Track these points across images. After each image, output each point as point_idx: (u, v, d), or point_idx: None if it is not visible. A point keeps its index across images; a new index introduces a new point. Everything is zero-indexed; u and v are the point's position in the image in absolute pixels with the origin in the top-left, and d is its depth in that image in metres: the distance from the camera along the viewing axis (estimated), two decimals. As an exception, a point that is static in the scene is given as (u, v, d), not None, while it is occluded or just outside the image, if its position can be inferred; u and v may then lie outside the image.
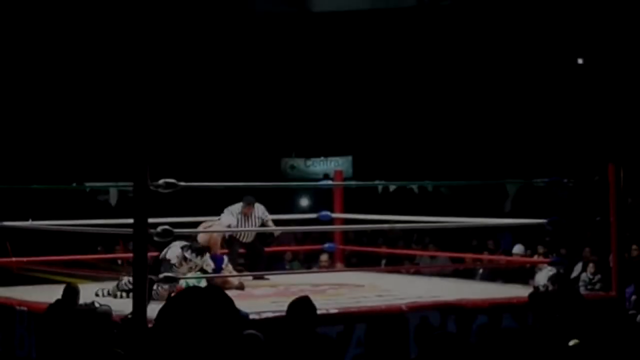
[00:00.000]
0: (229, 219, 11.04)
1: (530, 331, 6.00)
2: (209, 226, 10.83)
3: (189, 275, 9.46)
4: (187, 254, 9.37)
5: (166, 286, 8.93)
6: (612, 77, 21.58)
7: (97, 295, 9.38)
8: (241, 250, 11.42)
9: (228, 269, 10.47)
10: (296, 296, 5.81)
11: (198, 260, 9.50)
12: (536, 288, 9.85)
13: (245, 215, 11.15)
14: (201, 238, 10.42)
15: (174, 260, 9.30)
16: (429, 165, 21.76)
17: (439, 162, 21.81)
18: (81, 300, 8.69)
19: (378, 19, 24.12)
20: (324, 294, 9.84)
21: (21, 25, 21.99)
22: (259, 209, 11.29)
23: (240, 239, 11.26)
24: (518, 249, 13.91)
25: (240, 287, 10.18)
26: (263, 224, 11.34)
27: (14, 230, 12.42)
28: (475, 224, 13.78)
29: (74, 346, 7.49)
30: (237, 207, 11.21)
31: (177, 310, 2.24)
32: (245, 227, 11.16)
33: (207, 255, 9.70)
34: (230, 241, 11.16)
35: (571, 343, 6.13)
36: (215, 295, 2.28)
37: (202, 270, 9.55)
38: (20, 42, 21.93)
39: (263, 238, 11.49)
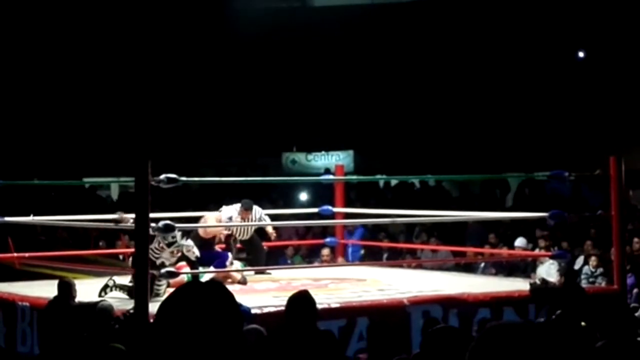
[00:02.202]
0: (230, 211, 10.98)
1: (532, 325, 6.01)
2: (208, 218, 10.80)
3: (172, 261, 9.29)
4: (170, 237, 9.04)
5: (168, 281, 8.93)
6: (614, 70, 21.56)
7: (107, 286, 9.27)
8: (238, 246, 11.38)
9: (234, 266, 10.48)
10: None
11: (182, 240, 9.19)
12: (532, 283, 9.85)
13: (243, 219, 10.99)
14: (201, 233, 10.41)
15: (154, 245, 8.94)
16: (430, 160, 21.76)
17: (440, 157, 21.80)
18: (85, 296, 8.70)
19: (379, 13, 24.10)
20: (326, 288, 9.85)
21: (23, 22, 21.98)
22: (257, 213, 11.16)
23: (238, 236, 11.18)
24: (520, 242, 13.89)
25: (243, 282, 10.19)
26: (260, 228, 11.31)
27: (16, 226, 12.43)
28: (477, 218, 13.77)
29: (74, 342, 7.49)
30: (236, 207, 11.09)
31: (177, 305, 2.23)
32: (242, 227, 11.04)
33: (190, 240, 9.48)
34: (227, 238, 11.06)
35: None
36: (216, 289, 2.27)
37: (184, 257, 9.34)
38: (22, 38, 21.93)
39: (261, 234, 11.47)
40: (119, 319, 7.64)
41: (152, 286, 8.63)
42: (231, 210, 10.98)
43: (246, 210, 10.94)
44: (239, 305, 2.31)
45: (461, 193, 20.99)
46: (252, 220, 11.03)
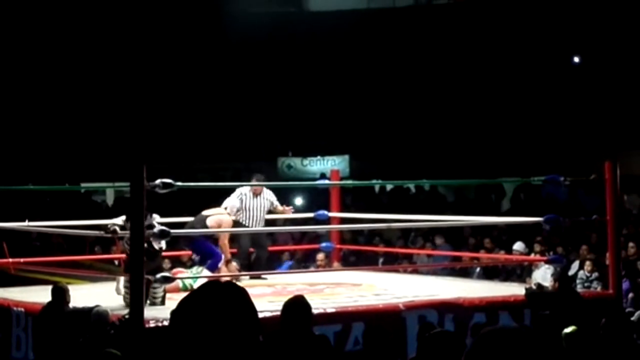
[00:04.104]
0: (232, 201, 10.89)
1: (528, 329, 6.01)
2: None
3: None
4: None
5: (162, 286, 8.90)
6: (609, 75, 21.59)
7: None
8: (251, 250, 11.29)
9: (230, 267, 10.45)
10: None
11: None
12: (528, 288, 9.85)
13: (255, 194, 10.98)
14: (210, 223, 10.31)
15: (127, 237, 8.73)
16: (425, 165, 21.77)
17: (435, 161, 21.82)
18: (82, 301, 8.67)
19: (374, 18, 24.12)
20: (322, 293, 9.84)
21: (19, 27, 21.97)
22: (268, 192, 11.17)
23: (245, 223, 11.05)
24: (519, 246, 13.89)
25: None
26: (271, 208, 11.19)
27: (11, 231, 12.40)
28: (473, 222, 13.76)
29: (69, 347, 7.48)
30: (246, 188, 11.05)
31: (198, 306, 2.15)
32: (254, 206, 10.96)
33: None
34: (237, 234, 10.97)
35: (568, 330, 6.14)
36: (240, 293, 2.19)
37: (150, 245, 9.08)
38: (18, 42, 21.91)
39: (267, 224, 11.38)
40: (114, 324, 7.63)
41: (147, 292, 8.58)
42: (233, 201, 10.87)
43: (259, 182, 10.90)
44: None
45: (457, 198, 21.01)
46: (263, 197, 10.98)
